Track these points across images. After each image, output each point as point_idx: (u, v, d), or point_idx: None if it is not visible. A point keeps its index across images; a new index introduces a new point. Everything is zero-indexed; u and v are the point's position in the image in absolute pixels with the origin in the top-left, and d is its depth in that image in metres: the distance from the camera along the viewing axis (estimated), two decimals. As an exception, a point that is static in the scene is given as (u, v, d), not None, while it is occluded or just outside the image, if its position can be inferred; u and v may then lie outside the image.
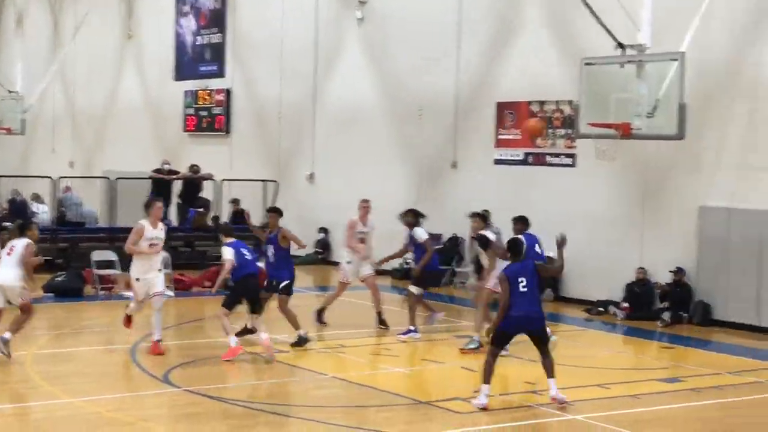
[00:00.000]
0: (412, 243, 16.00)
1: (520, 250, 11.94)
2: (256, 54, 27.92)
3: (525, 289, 11.45)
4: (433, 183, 23.20)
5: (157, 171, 24.68)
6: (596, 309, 18.97)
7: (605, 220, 19.74)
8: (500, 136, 21.83)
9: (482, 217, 15.31)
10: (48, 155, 35.42)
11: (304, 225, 26.29)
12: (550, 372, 11.65)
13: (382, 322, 16.52)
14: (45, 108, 34.24)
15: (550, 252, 13.59)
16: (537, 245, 14.03)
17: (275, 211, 15.58)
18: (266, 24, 27.47)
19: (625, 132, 15.64)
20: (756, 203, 17.43)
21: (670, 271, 18.26)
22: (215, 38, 29.19)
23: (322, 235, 25.79)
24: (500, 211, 20.37)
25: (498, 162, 21.87)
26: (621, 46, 15.84)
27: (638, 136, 15.76)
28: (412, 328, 15.63)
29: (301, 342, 14.50)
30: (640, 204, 19.21)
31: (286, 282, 14.55)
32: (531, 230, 14.46)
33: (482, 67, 22.14)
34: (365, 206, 17.02)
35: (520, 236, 13.11)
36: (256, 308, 14.02)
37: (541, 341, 11.73)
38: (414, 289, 15.91)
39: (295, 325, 14.59)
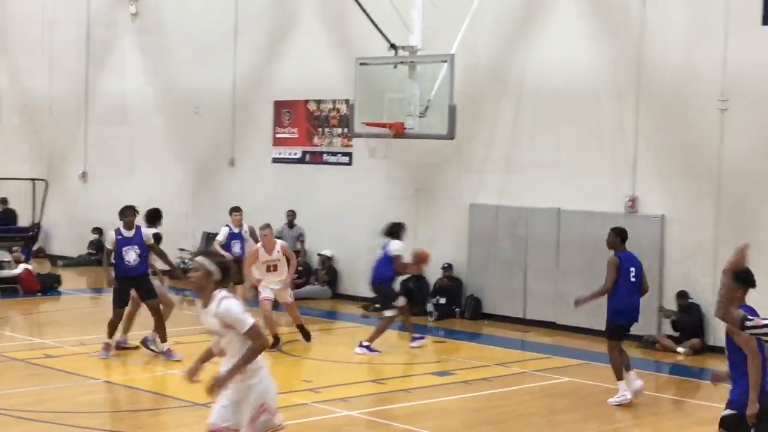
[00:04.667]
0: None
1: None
2: (24, 47, 26.67)
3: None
4: (210, 181, 22.80)
5: None
6: (372, 306, 19.10)
7: (381, 217, 19.90)
8: (278, 135, 21.68)
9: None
10: None
11: (76, 225, 25.41)
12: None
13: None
14: None
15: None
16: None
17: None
18: (35, 17, 26.25)
19: (399, 131, 15.80)
20: (521, 200, 18.00)
21: (441, 267, 18.61)
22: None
23: (95, 236, 24.88)
24: (278, 208, 20.40)
25: (276, 160, 21.71)
26: (393, 47, 15.99)
27: (411, 135, 15.95)
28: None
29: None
30: (414, 201, 19.50)
31: None
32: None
33: (259, 65, 21.93)
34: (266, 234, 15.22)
35: None
36: None
37: None
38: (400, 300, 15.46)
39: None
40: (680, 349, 15.54)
